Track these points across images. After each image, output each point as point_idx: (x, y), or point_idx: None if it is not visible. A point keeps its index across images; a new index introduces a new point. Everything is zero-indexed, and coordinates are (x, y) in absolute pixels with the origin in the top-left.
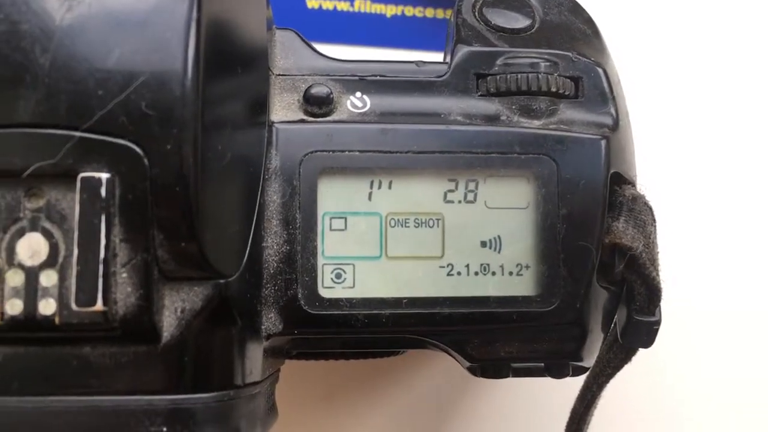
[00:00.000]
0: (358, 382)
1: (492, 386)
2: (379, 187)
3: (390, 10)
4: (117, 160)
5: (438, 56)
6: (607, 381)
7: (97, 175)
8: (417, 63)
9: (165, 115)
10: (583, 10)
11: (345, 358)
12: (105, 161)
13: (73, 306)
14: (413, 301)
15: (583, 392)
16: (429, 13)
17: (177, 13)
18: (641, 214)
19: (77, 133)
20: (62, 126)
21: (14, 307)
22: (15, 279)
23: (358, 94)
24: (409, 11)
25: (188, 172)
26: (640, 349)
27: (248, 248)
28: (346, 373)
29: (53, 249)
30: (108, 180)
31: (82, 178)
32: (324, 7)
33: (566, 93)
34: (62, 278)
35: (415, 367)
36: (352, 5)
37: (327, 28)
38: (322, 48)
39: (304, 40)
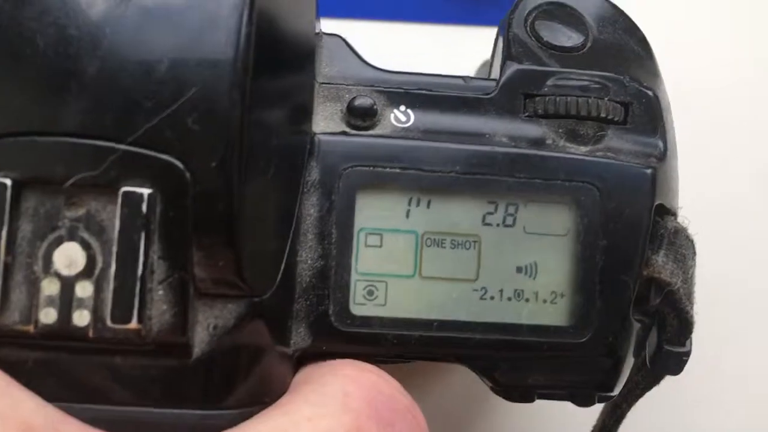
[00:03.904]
0: None
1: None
2: (418, 205)
3: None
4: (160, 176)
5: (461, 30)
6: (635, 401)
7: (139, 190)
8: (464, 78)
9: (211, 133)
10: (638, 29)
11: None
12: (148, 176)
13: (108, 322)
14: (444, 324)
15: (612, 409)
16: None
17: (229, 26)
18: (682, 248)
19: (122, 146)
20: (107, 137)
21: (48, 315)
22: (50, 288)
23: (402, 107)
24: None
25: (232, 193)
26: None
27: (283, 264)
28: None
29: (90, 260)
30: (150, 196)
31: (124, 193)
32: None
33: (615, 119)
34: (98, 290)
35: (428, 378)
36: None
37: (354, 3)
38: (345, 24)
39: (350, 48)
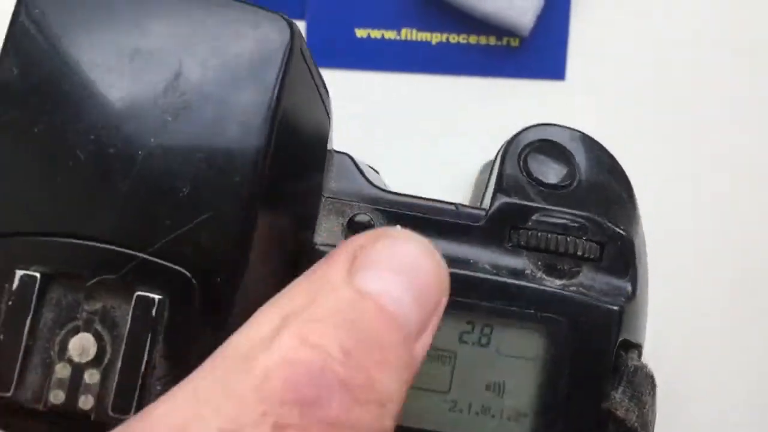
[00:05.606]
0: None
1: None
2: None
3: (435, 38)
4: (171, 284)
5: (476, 81)
6: None
7: (151, 295)
8: (456, 205)
9: (221, 252)
10: (623, 171)
11: None
12: (160, 283)
13: (110, 410)
14: None
15: None
16: (472, 39)
17: (249, 158)
18: (640, 386)
19: (141, 255)
20: (129, 246)
21: (57, 397)
22: (63, 372)
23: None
24: (454, 39)
25: (233, 307)
26: None
27: None
28: None
29: (101, 350)
30: (160, 301)
31: (137, 297)
32: (372, 36)
33: (591, 257)
34: (104, 378)
35: None
36: (399, 34)
37: (375, 56)
38: (369, 76)
39: (357, 166)
